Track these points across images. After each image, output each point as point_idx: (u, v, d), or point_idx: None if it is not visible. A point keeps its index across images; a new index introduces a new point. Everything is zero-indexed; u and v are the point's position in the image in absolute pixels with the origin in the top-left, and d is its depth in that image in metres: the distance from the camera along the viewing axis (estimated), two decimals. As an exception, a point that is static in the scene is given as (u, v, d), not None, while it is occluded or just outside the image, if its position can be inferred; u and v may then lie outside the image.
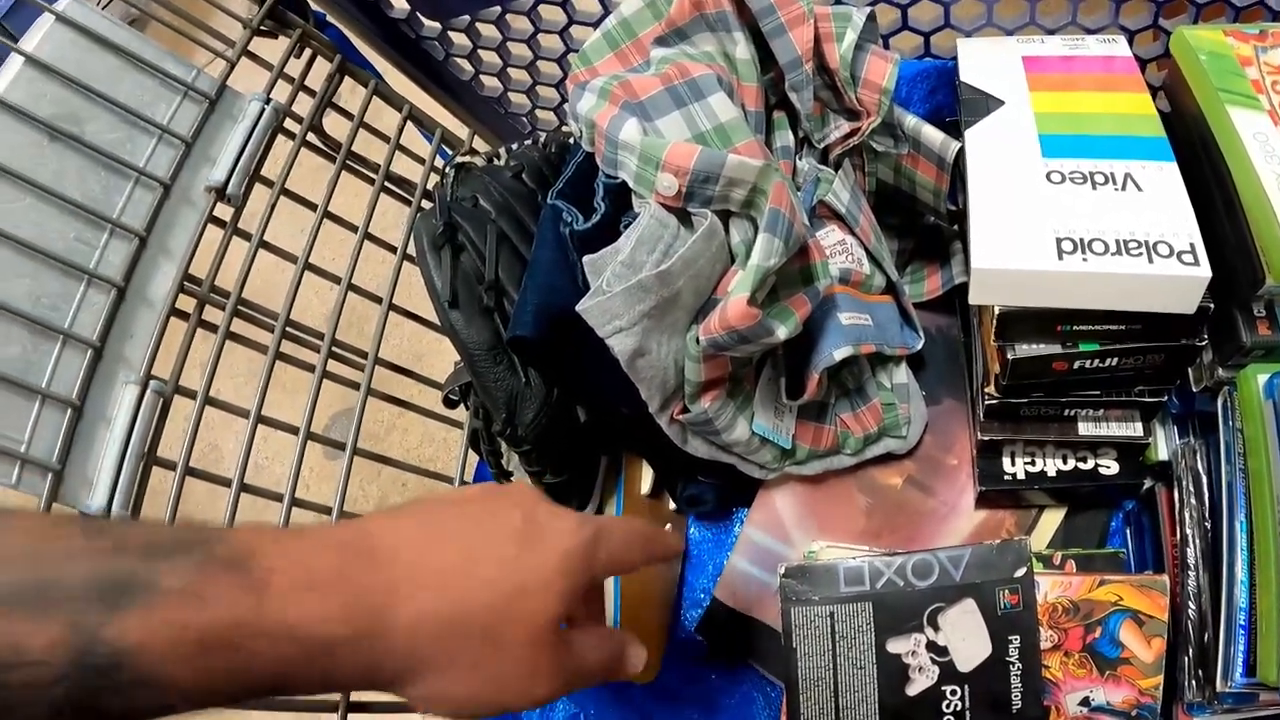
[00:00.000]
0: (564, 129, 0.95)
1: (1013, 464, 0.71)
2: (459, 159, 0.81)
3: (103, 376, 0.75)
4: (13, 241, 0.71)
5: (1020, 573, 0.62)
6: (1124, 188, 0.61)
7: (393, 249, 0.94)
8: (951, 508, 0.76)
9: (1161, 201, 0.60)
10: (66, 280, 0.74)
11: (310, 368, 0.85)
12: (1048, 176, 0.62)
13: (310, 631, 0.36)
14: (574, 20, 0.95)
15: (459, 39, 1.05)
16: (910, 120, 0.72)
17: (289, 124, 0.90)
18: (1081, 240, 0.58)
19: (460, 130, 1.13)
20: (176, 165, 0.81)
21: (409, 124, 1.03)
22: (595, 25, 0.91)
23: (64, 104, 0.76)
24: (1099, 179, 0.61)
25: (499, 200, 0.74)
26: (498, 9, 0.98)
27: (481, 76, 1.11)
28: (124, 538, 0.35)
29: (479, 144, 1.13)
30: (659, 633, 0.79)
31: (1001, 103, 0.69)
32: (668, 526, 0.83)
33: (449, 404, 0.88)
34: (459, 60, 1.08)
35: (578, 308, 0.58)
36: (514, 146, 0.84)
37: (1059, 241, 0.58)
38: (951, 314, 0.81)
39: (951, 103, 0.79)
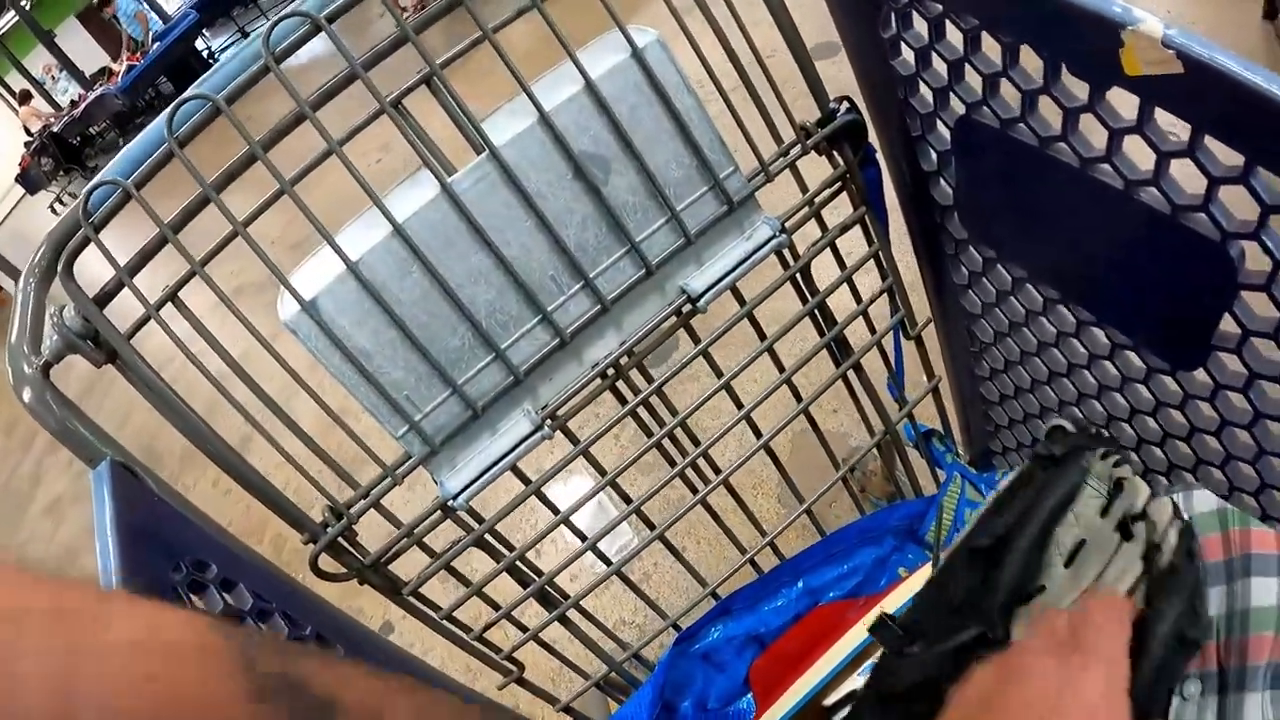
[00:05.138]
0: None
1: None
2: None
3: (510, 398, 0.80)
4: (497, 255, 0.74)
5: None
6: None
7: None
8: None
9: None
10: (523, 308, 0.76)
11: (674, 463, 0.91)
12: None
13: None
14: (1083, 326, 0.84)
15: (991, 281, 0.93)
16: None
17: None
18: None
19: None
20: (668, 255, 0.79)
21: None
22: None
23: (602, 145, 0.75)
24: None
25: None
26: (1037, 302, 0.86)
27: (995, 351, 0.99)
28: None
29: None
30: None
31: None
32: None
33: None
34: (973, 294, 0.97)
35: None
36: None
37: None
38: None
39: None
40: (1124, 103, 0.61)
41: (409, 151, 0.72)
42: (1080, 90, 0.63)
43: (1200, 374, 0.73)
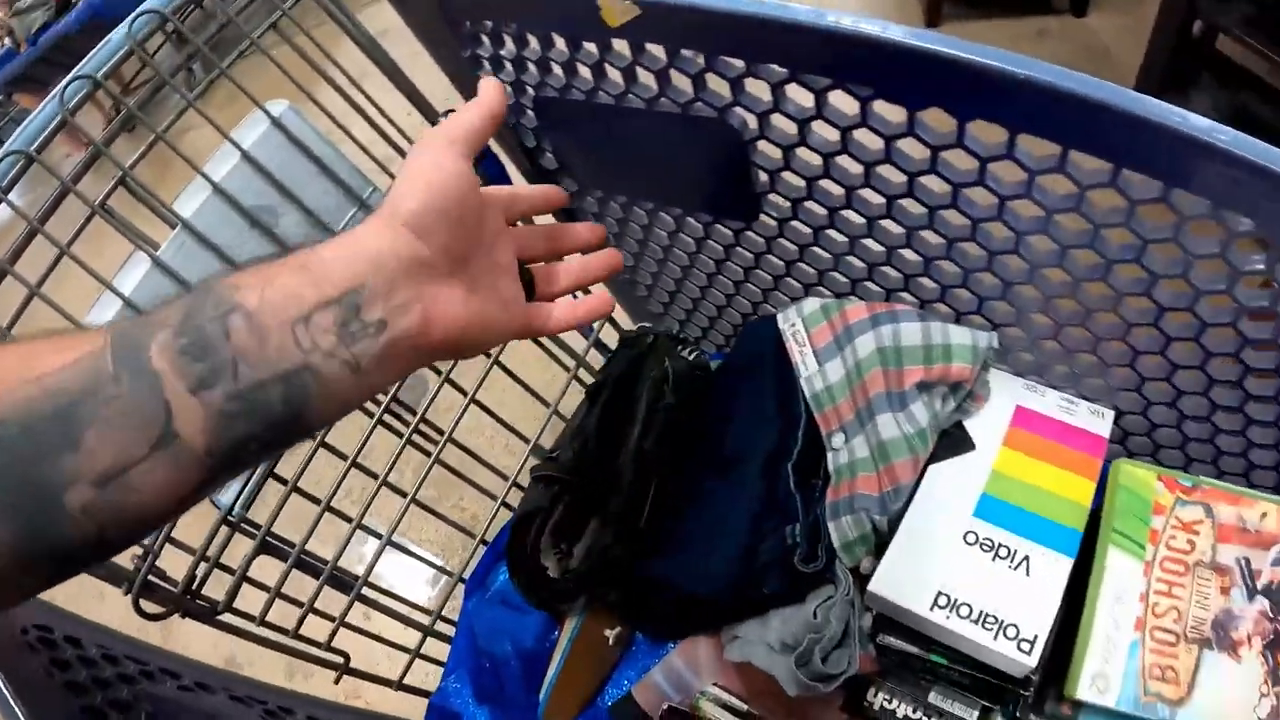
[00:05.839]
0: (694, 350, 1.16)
1: (874, 696, 0.90)
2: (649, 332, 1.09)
3: (250, 414, 1.05)
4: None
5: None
6: (1017, 568, 0.82)
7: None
8: (823, 702, 0.94)
9: (1037, 592, 0.80)
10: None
11: (400, 434, 1.16)
12: (964, 536, 0.84)
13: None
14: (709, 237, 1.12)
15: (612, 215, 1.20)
16: None
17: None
18: (954, 600, 0.80)
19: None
20: (340, 267, 1.06)
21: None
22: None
23: (267, 196, 1.01)
24: (1003, 552, 0.83)
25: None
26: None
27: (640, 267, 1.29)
28: None
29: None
30: (584, 696, 1.07)
31: (974, 448, 0.92)
32: (618, 629, 1.10)
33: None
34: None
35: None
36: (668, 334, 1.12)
37: (938, 595, 0.80)
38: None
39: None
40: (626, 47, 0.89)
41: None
42: (594, 49, 0.91)
43: (765, 219, 1.02)
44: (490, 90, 0.65)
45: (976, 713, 0.86)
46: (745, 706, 0.96)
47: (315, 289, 0.50)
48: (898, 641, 0.86)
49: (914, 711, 0.89)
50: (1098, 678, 0.76)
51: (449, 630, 1.25)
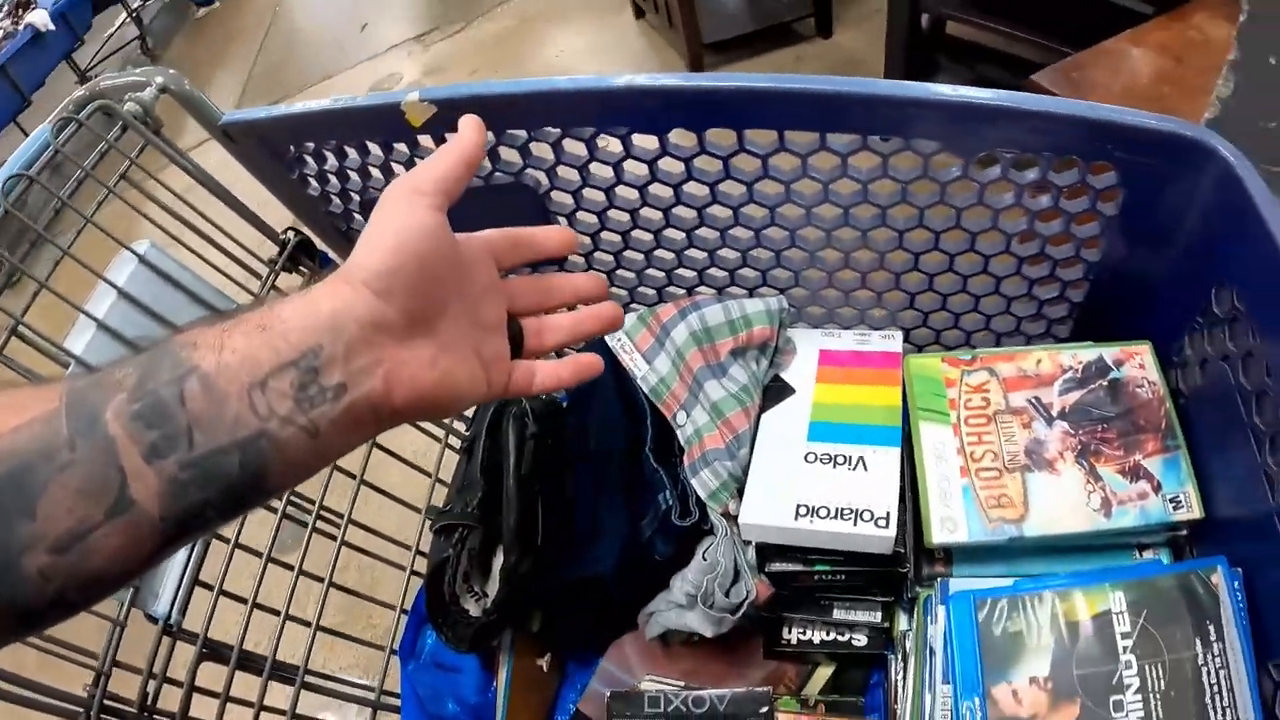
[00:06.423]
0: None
1: (789, 634, 1.06)
2: None
3: (170, 525, 1.14)
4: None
5: (763, 710, 0.96)
6: (855, 468, 0.99)
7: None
8: (748, 659, 1.12)
9: (877, 481, 0.97)
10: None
11: (304, 524, 1.27)
12: (805, 457, 1.01)
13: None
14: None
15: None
16: None
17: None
18: (812, 507, 0.96)
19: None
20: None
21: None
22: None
23: (144, 328, 1.11)
24: (840, 461, 1.00)
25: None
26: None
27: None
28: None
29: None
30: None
31: (793, 391, 1.11)
32: (548, 656, 1.22)
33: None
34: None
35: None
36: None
37: (798, 507, 0.96)
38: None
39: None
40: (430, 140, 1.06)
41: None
42: (404, 148, 1.08)
43: (574, 257, 1.20)
44: (468, 130, 0.62)
45: (879, 612, 1.03)
46: (683, 683, 1.09)
47: (272, 351, 0.49)
48: (783, 565, 1.01)
49: (827, 634, 1.05)
50: (945, 520, 0.93)
51: (398, 702, 1.31)
